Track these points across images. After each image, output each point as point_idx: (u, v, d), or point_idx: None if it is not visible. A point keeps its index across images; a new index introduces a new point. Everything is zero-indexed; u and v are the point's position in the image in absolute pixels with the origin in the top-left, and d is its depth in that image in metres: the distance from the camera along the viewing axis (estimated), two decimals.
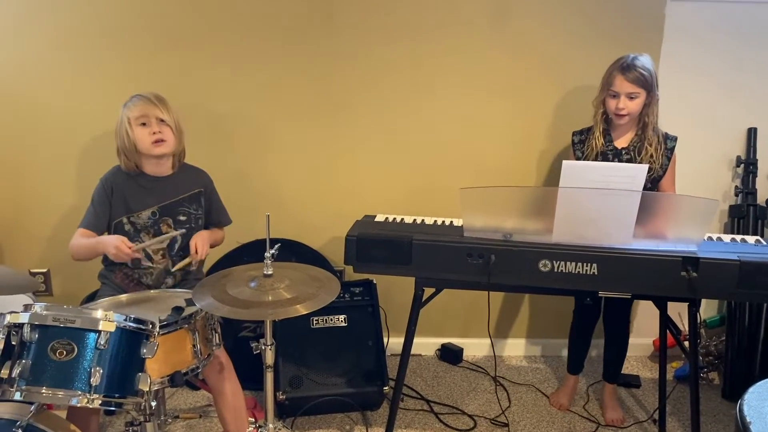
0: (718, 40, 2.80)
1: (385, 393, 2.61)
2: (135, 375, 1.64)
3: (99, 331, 1.57)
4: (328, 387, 2.57)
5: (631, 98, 2.36)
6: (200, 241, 2.25)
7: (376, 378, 2.61)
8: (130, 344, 1.64)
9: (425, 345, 3.16)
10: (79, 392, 1.54)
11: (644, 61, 2.37)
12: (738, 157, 2.89)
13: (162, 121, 2.23)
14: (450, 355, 3.12)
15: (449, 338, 3.18)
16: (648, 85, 2.36)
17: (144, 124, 2.22)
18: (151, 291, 2.19)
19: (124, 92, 2.32)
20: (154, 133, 2.22)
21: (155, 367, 1.79)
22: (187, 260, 2.25)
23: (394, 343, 2.95)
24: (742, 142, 2.90)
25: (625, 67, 2.36)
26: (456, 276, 2.22)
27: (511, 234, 2.19)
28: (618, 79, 2.36)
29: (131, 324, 1.63)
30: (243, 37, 2.76)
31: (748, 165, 2.86)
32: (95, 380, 1.54)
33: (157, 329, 1.71)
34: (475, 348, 3.16)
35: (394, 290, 2.86)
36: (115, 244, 2.09)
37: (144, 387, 1.64)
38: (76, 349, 1.55)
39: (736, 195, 2.90)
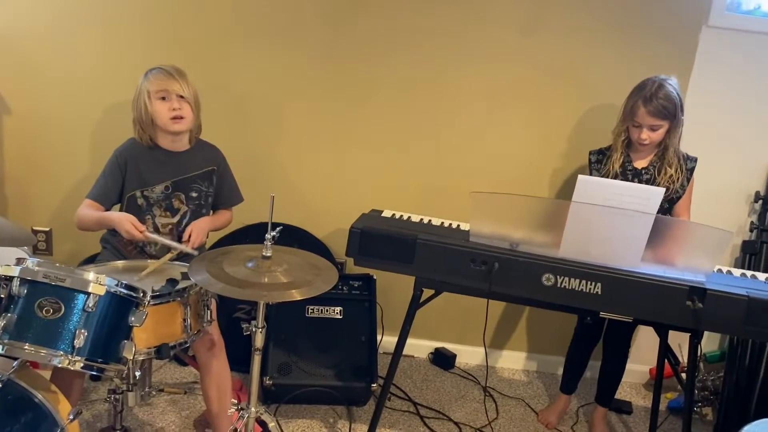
0: (749, 73, 2.75)
1: (372, 390, 2.58)
2: (120, 342, 1.62)
3: (88, 293, 1.54)
4: (316, 377, 2.54)
5: (654, 130, 2.33)
6: (196, 230, 2.22)
7: (366, 374, 2.58)
8: (118, 310, 1.62)
9: (419, 347, 3.12)
10: (62, 353, 1.52)
11: (669, 88, 2.31)
12: (757, 193, 2.83)
13: (182, 97, 2.20)
14: (442, 359, 3.08)
15: (444, 343, 3.15)
16: (671, 115, 2.31)
17: (164, 98, 2.19)
18: (150, 261, 2.17)
19: (147, 63, 2.30)
20: (173, 109, 2.19)
21: (143, 336, 1.78)
22: (170, 254, 2.15)
23: (387, 341, 2.92)
24: (763, 178, 2.84)
25: (647, 98, 2.30)
26: (457, 280, 2.18)
27: (518, 244, 2.15)
28: (640, 111, 2.32)
29: (122, 290, 1.61)
30: (269, 19, 2.73)
31: (766, 202, 2.81)
32: (79, 342, 1.52)
33: (148, 299, 1.68)
34: (469, 355, 3.13)
35: (394, 288, 2.83)
36: (125, 227, 2.08)
37: (128, 355, 1.63)
38: (63, 309, 1.53)
39: (751, 231, 2.84)
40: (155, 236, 2.17)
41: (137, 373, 1.81)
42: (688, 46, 2.72)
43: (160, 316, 1.80)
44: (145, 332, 1.78)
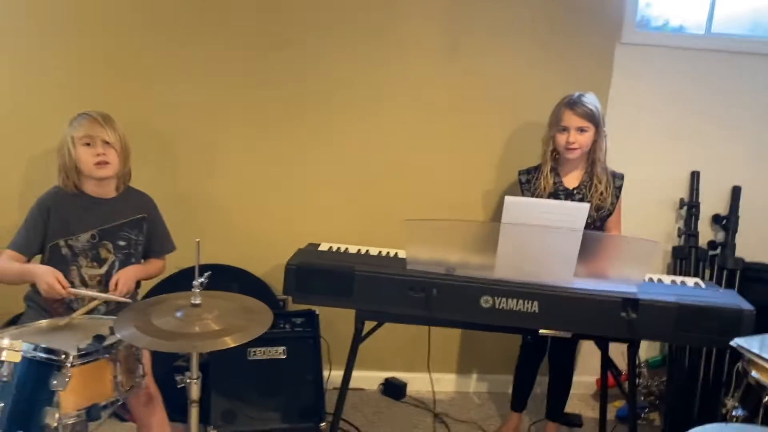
0: (665, 85, 2.86)
1: (321, 429, 2.52)
2: (42, 409, 1.53)
3: (2, 362, 1.46)
4: (262, 422, 2.47)
5: (581, 132, 2.38)
6: (123, 278, 2.12)
7: (313, 413, 2.52)
8: (38, 376, 1.53)
9: (368, 379, 3.08)
10: None
11: (590, 97, 2.41)
12: (681, 200, 2.94)
13: (107, 143, 2.15)
14: (393, 389, 3.05)
15: (393, 372, 3.11)
16: (596, 120, 2.38)
17: (88, 144, 2.13)
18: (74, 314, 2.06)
19: (68, 109, 2.24)
20: (98, 154, 2.13)
21: (71, 399, 1.69)
22: (94, 303, 2.04)
23: (336, 376, 2.86)
24: (686, 184, 2.94)
25: (572, 102, 2.38)
26: (397, 309, 2.17)
27: (455, 268, 2.15)
28: (567, 113, 2.38)
29: (41, 354, 1.53)
30: (194, 57, 2.70)
31: (690, 207, 2.91)
32: None
33: (71, 360, 1.60)
34: (420, 383, 3.10)
35: (338, 321, 2.77)
36: (47, 280, 1.96)
37: (51, 422, 1.54)
38: None
39: (679, 236, 2.94)
40: (80, 291, 2.08)
41: None
42: (605, 64, 2.82)
43: (87, 376, 1.71)
44: (73, 394, 1.68)
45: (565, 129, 2.39)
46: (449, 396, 3.10)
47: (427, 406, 2.98)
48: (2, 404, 1.45)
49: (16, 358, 1.47)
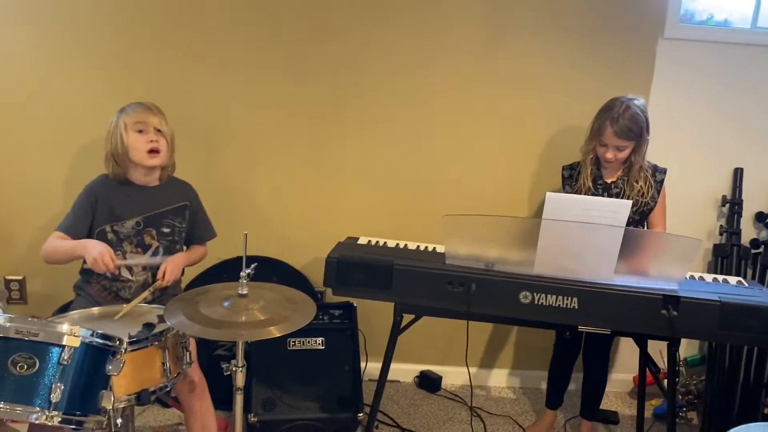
0: (708, 80, 2.82)
1: (359, 419, 2.56)
2: (98, 392, 1.60)
3: (63, 346, 1.52)
4: (301, 411, 2.52)
5: (620, 150, 2.37)
6: (170, 267, 2.19)
7: (351, 404, 2.56)
8: (95, 360, 1.59)
9: (404, 371, 3.11)
10: (38, 408, 1.50)
11: (635, 109, 2.35)
12: (724, 197, 2.89)
13: (159, 131, 2.21)
14: (428, 382, 3.08)
15: (429, 365, 3.14)
16: (636, 136, 2.36)
17: (141, 131, 2.19)
18: (125, 305, 2.15)
19: (113, 100, 2.31)
20: (150, 141, 2.19)
21: (122, 384, 1.75)
22: (146, 293, 2.14)
23: (372, 368, 2.90)
24: (729, 181, 2.90)
25: (615, 120, 2.33)
26: (436, 303, 2.20)
27: (494, 263, 2.17)
28: (608, 132, 2.35)
29: (97, 340, 1.59)
30: (235, 49, 2.75)
31: (733, 205, 2.86)
32: (56, 397, 1.50)
33: (125, 346, 1.67)
34: (455, 376, 3.12)
35: (375, 314, 2.83)
36: (99, 249, 2.03)
37: (107, 405, 1.60)
38: (37, 364, 1.50)
39: (721, 234, 2.90)
40: (126, 261, 2.19)
41: (118, 421, 1.78)
42: (647, 59, 2.78)
43: (138, 363, 1.78)
44: (124, 379, 1.75)
45: (606, 144, 2.38)
46: (484, 390, 3.12)
47: (462, 399, 3.00)
48: (62, 386, 1.51)
49: (76, 343, 1.54)
